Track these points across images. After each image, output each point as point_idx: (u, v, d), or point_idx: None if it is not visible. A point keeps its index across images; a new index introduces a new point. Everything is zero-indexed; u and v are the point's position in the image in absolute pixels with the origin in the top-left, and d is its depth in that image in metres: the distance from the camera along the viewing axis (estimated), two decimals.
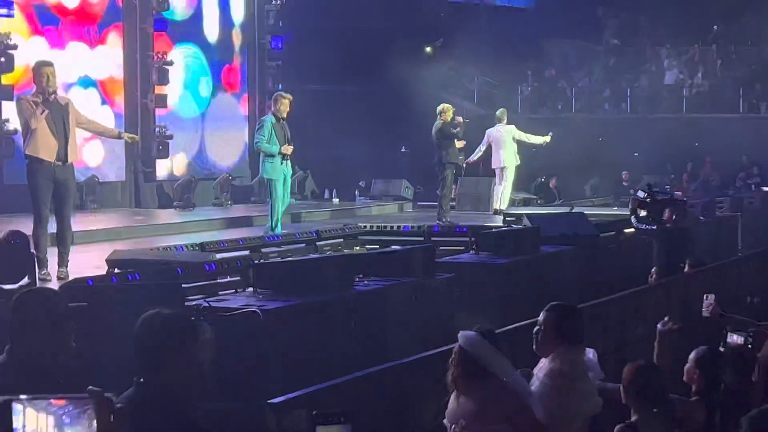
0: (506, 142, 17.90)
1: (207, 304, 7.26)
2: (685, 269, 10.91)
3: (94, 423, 2.46)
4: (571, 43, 30.45)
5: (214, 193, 20.04)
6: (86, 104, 17.21)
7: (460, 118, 16.98)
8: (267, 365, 7.08)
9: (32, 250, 9.02)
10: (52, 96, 9.95)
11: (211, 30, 21.30)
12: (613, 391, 5.57)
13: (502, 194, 17.93)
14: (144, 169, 19.51)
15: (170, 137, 19.45)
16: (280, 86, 21.03)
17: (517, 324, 7.13)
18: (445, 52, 27.43)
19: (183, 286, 7.96)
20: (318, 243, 12.93)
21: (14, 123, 14.06)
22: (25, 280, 8.07)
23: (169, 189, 19.80)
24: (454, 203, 18.15)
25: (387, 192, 21.40)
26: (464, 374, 4.91)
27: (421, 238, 13.37)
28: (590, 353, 5.65)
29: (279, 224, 13.58)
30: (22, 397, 2.45)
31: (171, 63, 19.52)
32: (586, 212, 15.17)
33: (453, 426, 4.92)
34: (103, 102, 18.82)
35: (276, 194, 13.51)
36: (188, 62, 20.75)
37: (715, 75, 28.81)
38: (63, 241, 10.13)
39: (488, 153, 18.16)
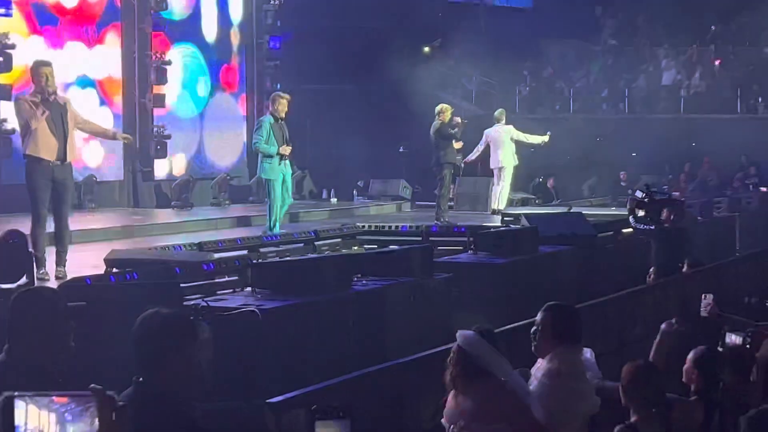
0: (504, 143, 17.90)
1: (205, 304, 7.26)
2: (683, 269, 10.91)
3: (96, 421, 2.47)
4: (569, 43, 30.43)
5: (212, 193, 20.04)
6: (85, 104, 17.20)
7: (458, 119, 16.99)
8: (265, 365, 7.08)
9: (30, 250, 9.02)
10: (52, 97, 9.96)
11: (210, 30, 21.29)
12: (611, 390, 5.57)
13: (501, 194, 17.94)
14: (142, 169, 19.50)
15: (168, 137, 19.43)
16: (279, 86, 21.05)
17: (516, 324, 7.13)
18: (443, 51, 27.42)
19: (181, 285, 7.98)
20: (316, 243, 12.93)
21: (12, 123, 14.04)
22: (23, 280, 8.08)
23: (167, 189, 19.79)
24: (452, 203, 18.18)
25: (385, 192, 21.40)
26: (463, 374, 4.92)
27: (420, 238, 13.38)
28: (588, 353, 5.66)
29: (278, 224, 13.58)
30: (25, 393, 2.46)
31: (169, 63, 19.51)
32: (584, 212, 15.18)
33: (451, 426, 4.92)
34: (102, 102, 18.81)
35: (274, 194, 13.51)
36: (186, 62, 20.74)
37: (713, 75, 28.80)
38: (61, 240, 10.13)
39: (486, 153, 18.16)
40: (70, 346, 4.15)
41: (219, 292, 8.35)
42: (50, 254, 10.10)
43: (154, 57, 19.28)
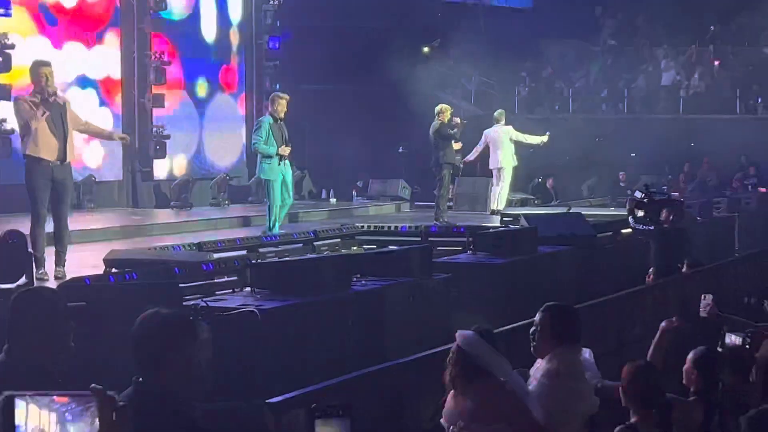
0: (504, 143, 17.90)
1: (204, 304, 7.26)
2: (683, 270, 10.92)
3: (97, 421, 2.47)
4: (569, 43, 30.41)
5: (211, 193, 20.03)
6: (85, 104, 17.22)
7: (458, 119, 17.00)
8: (265, 365, 7.08)
9: (30, 250, 9.03)
10: (52, 97, 9.96)
11: (209, 30, 21.28)
12: (611, 389, 5.57)
13: (500, 195, 17.94)
14: (141, 169, 19.50)
15: (167, 137, 19.42)
16: (278, 86, 21.05)
17: (515, 324, 7.13)
18: (442, 51, 27.40)
19: (180, 285, 7.98)
20: (315, 243, 12.93)
21: (11, 123, 14.02)
22: (23, 280, 8.08)
23: (166, 189, 19.78)
24: (451, 203, 18.17)
25: (384, 192, 21.40)
26: (462, 374, 4.92)
27: (419, 239, 13.37)
28: (587, 353, 5.66)
29: (277, 224, 13.58)
30: (25, 393, 2.46)
31: (168, 63, 19.51)
32: (583, 212, 15.18)
33: (451, 426, 4.92)
34: (102, 103, 18.79)
35: (273, 195, 13.51)
36: (186, 62, 20.72)
37: (713, 75, 28.80)
38: (60, 240, 10.13)
39: (486, 153, 18.17)
40: (70, 346, 4.15)
41: (218, 293, 8.34)
42: (49, 254, 10.10)
43: (153, 57, 19.28)
